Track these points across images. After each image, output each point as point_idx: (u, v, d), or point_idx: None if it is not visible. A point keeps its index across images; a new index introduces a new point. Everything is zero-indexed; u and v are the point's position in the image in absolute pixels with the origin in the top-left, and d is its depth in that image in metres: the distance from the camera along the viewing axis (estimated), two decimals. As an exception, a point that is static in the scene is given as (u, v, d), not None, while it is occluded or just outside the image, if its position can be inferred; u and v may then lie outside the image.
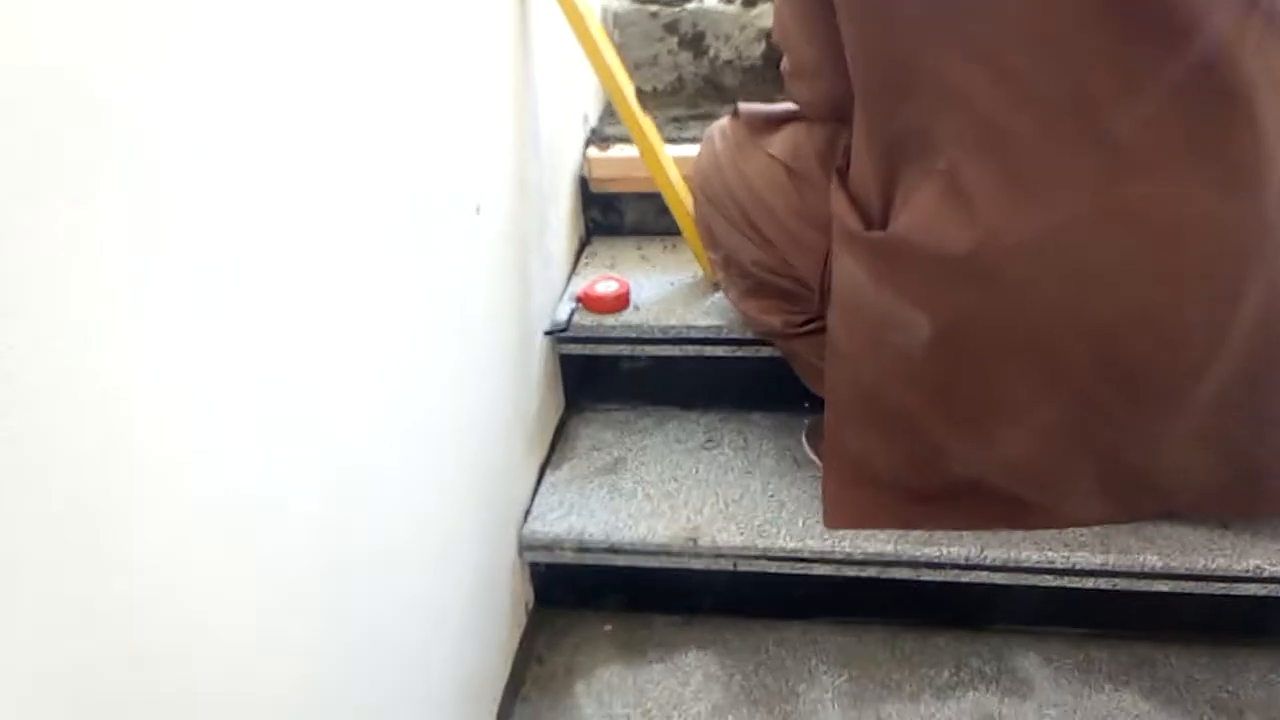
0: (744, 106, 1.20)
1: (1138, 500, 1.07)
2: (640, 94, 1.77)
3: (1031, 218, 0.89)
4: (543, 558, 1.20)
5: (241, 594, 0.64)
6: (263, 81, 0.63)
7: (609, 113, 1.69)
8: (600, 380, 1.41)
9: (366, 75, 0.77)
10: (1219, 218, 0.87)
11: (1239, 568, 1.05)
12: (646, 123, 1.32)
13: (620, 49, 1.72)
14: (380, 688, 0.87)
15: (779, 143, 1.12)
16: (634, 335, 1.32)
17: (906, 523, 1.10)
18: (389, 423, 0.86)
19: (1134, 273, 0.90)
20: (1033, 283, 0.92)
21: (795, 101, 1.11)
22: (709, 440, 1.33)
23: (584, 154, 1.50)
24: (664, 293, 1.38)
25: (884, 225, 0.98)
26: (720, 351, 1.32)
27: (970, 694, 1.10)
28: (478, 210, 1.03)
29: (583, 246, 1.54)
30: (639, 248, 1.52)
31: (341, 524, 0.77)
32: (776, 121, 1.14)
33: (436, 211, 0.94)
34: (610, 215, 1.56)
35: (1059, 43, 0.85)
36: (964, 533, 1.10)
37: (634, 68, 1.75)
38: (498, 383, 1.15)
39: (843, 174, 1.02)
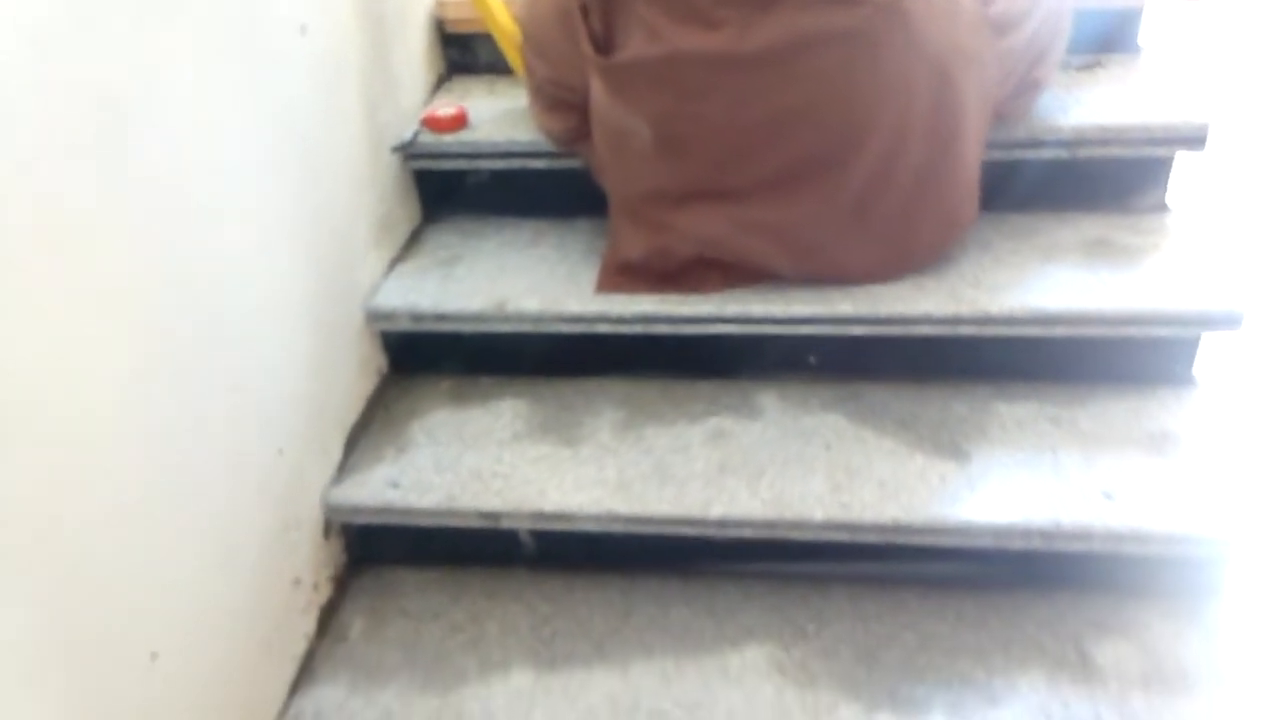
0: None
1: (820, 273, 1.36)
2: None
3: (702, 41, 1.18)
4: (385, 325, 1.49)
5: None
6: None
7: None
8: (452, 195, 1.68)
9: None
10: (837, 29, 1.15)
11: (914, 312, 1.34)
12: (473, -35, 1.55)
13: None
14: (246, 409, 1.19)
15: None
16: (469, 151, 1.58)
17: (655, 290, 1.39)
18: (229, 214, 1.14)
19: (787, 76, 1.18)
20: (711, 87, 1.21)
21: None
22: (534, 241, 1.60)
23: (437, -4, 1.73)
24: (500, 117, 1.63)
25: (611, 52, 1.26)
26: (541, 165, 1.58)
27: (713, 419, 1.40)
28: (303, 30, 1.27)
29: (441, 82, 1.77)
30: (491, 84, 1.76)
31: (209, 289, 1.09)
32: None
33: (259, 30, 1.18)
34: (466, 55, 1.79)
35: None
36: (710, 294, 1.39)
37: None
38: (341, 185, 1.41)
39: (585, 11, 1.29)
